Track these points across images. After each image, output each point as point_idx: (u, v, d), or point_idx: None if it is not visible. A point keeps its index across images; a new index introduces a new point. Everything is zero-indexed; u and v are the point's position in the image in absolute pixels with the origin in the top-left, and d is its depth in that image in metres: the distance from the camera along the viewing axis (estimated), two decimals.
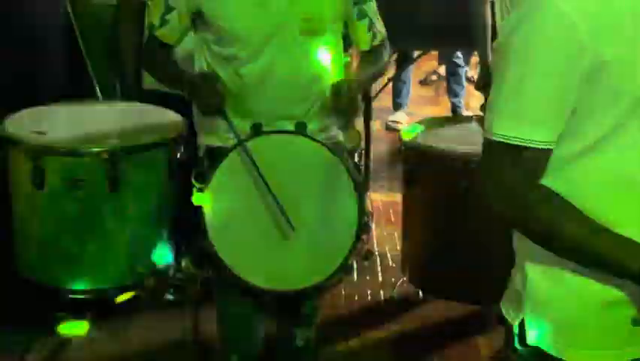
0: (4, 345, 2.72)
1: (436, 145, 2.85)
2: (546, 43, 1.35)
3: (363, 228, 2.33)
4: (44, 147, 2.52)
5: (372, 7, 2.43)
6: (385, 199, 3.87)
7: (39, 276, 2.64)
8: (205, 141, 2.41)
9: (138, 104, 3.01)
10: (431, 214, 2.90)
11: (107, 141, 2.61)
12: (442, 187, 2.82)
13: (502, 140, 1.36)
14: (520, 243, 1.52)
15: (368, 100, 4.08)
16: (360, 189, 2.30)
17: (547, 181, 1.43)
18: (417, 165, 2.90)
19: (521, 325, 1.50)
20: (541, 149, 1.38)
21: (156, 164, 2.64)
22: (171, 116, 2.79)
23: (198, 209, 2.23)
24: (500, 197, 1.42)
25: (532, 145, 1.37)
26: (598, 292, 1.44)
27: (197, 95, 2.34)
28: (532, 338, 1.49)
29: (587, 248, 1.38)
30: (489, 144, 1.39)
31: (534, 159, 1.39)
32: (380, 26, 2.45)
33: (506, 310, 1.55)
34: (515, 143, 1.36)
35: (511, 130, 1.36)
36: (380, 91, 4.45)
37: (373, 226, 3.64)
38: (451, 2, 3.98)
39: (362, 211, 2.28)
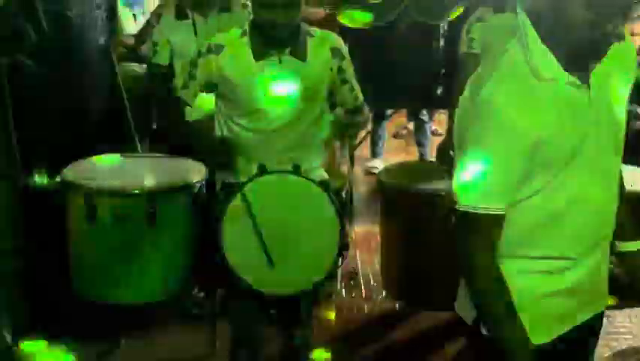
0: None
1: (406, 184, 2.89)
2: (497, 138, 1.39)
3: (344, 245, 2.39)
4: (96, 189, 2.54)
5: (352, 75, 2.52)
6: (366, 230, 3.90)
7: (91, 295, 2.62)
8: (221, 177, 2.51)
9: (166, 155, 2.98)
10: (404, 239, 2.89)
11: (144, 184, 2.62)
12: (412, 217, 2.82)
13: (466, 210, 1.41)
14: None
15: (352, 149, 4.07)
16: (341, 214, 2.37)
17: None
18: (392, 200, 2.94)
19: (476, 320, 1.54)
20: (496, 215, 1.42)
21: (184, 202, 2.61)
22: (194, 164, 2.77)
23: (217, 234, 2.30)
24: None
25: (488, 212, 1.40)
26: (532, 288, 1.53)
27: (214, 156, 2.46)
28: (484, 330, 1.54)
29: (498, 323, 1.47)
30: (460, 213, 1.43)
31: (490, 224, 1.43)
32: (358, 90, 2.55)
33: (462, 310, 1.61)
34: (476, 212, 1.40)
35: (476, 201, 1.40)
36: (360, 142, 4.58)
37: (357, 252, 3.66)
38: (417, 70, 4.06)
39: (343, 232, 2.36)
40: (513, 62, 1.41)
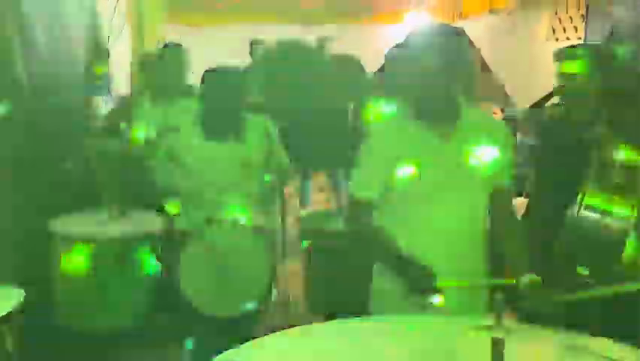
0: None
1: (317, 226, 2.98)
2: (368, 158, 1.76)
3: (273, 276, 2.54)
4: (76, 239, 2.63)
5: (280, 147, 2.71)
6: (297, 266, 3.69)
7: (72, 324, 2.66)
8: (179, 225, 2.63)
9: (133, 212, 2.98)
10: (319, 269, 2.91)
11: (116, 233, 2.67)
12: (324, 251, 2.86)
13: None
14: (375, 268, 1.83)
15: (283, 201, 4.11)
16: (272, 252, 2.52)
17: (392, 228, 1.72)
18: (309, 238, 2.98)
19: None
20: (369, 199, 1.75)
21: (150, 247, 2.67)
22: (156, 218, 2.81)
23: (174, 269, 2.39)
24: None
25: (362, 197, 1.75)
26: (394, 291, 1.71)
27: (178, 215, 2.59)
28: None
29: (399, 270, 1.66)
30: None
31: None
32: (285, 156, 2.73)
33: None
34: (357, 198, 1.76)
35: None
36: (291, 196, 4.65)
37: (289, 283, 3.55)
38: (337, 141, 4.10)
39: (272, 267, 2.50)
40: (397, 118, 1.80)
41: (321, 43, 4.71)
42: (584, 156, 1.99)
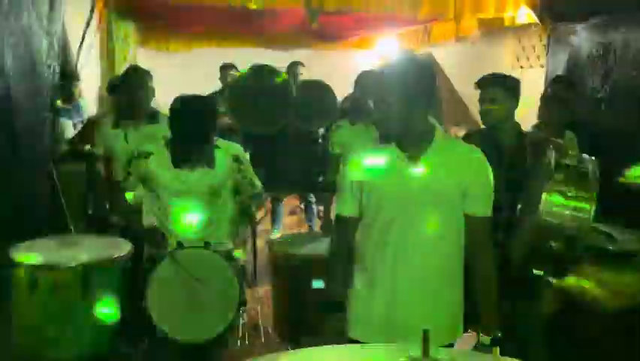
0: None
1: (287, 250, 2.95)
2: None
3: (242, 302, 2.54)
4: (37, 265, 2.52)
5: (250, 172, 2.71)
6: (267, 290, 3.82)
7: (30, 355, 2.56)
8: (148, 250, 2.63)
9: (97, 235, 2.97)
10: (287, 293, 2.91)
11: (80, 260, 2.58)
12: (292, 275, 2.85)
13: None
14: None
15: (254, 225, 4.12)
16: (240, 278, 2.51)
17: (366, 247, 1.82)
18: (278, 263, 2.99)
19: None
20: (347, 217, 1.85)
21: (113, 273, 2.62)
22: (122, 243, 2.78)
23: (142, 294, 2.35)
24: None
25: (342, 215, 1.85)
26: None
27: (146, 240, 2.61)
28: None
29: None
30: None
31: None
32: (256, 180, 2.73)
33: None
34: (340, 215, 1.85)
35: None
36: (262, 219, 4.71)
37: (259, 308, 3.65)
38: (303, 164, 4.19)
39: (242, 291, 2.50)
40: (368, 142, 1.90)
41: (293, 68, 4.77)
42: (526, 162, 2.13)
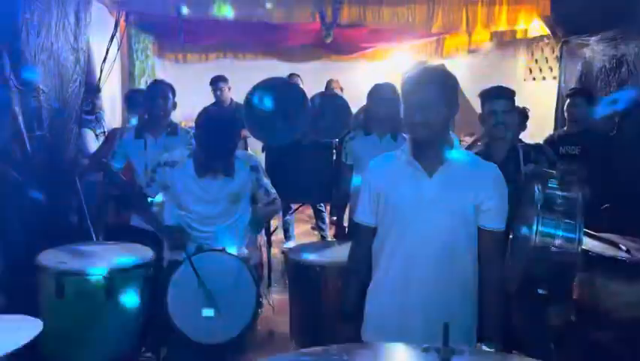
0: None
1: (303, 258, 2.94)
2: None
3: (259, 304, 2.60)
4: (64, 272, 2.58)
5: (266, 181, 2.80)
6: (281, 297, 3.89)
7: (57, 358, 2.59)
8: (168, 256, 2.71)
9: (118, 243, 2.97)
10: (304, 300, 2.95)
11: (104, 266, 2.62)
12: (308, 282, 2.85)
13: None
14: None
15: (269, 235, 4.33)
16: (257, 282, 2.58)
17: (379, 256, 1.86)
18: (294, 270, 3.00)
19: None
20: (366, 225, 1.88)
21: (135, 279, 2.65)
22: (143, 249, 2.81)
23: (163, 299, 2.43)
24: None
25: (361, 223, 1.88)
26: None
27: (169, 239, 2.66)
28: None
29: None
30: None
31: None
32: (271, 189, 2.81)
33: None
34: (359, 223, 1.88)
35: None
36: (276, 229, 4.76)
37: (274, 314, 3.70)
38: (316, 174, 4.16)
39: (258, 295, 2.57)
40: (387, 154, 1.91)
41: (292, 79, 4.84)
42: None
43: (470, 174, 1.81)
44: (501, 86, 2.70)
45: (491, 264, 1.85)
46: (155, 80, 3.61)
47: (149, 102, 3.35)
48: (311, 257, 2.98)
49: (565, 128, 3.99)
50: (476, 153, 2.23)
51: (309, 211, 6.09)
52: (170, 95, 3.35)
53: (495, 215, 1.82)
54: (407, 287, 1.80)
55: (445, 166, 1.80)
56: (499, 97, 2.58)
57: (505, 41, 6.18)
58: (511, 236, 2.09)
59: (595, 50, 4.43)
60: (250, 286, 2.54)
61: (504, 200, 1.83)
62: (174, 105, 3.39)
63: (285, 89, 3.90)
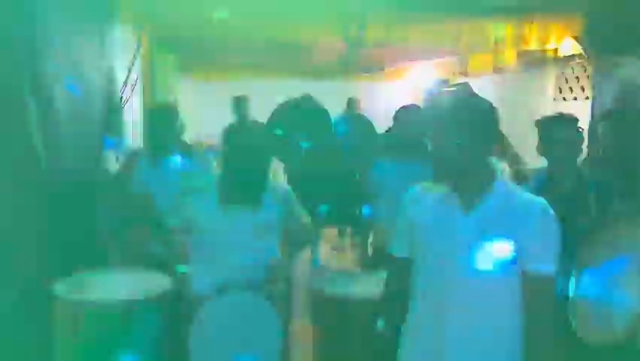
0: None
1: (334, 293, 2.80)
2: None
3: (284, 337, 2.45)
4: (80, 301, 2.50)
5: (297, 209, 2.60)
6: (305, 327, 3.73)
7: None
8: (189, 291, 2.54)
9: (139, 270, 2.88)
10: (329, 336, 2.78)
11: (121, 296, 2.55)
12: (333, 316, 2.74)
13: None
14: None
15: (296, 261, 4.22)
16: (282, 314, 2.46)
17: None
18: (319, 303, 2.87)
19: None
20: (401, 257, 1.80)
21: (156, 310, 2.56)
22: (162, 278, 2.72)
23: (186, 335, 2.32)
24: None
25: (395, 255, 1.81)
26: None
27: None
28: None
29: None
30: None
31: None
32: (305, 218, 2.62)
33: None
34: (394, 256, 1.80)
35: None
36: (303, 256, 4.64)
37: (300, 347, 3.39)
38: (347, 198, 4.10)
39: (285, 331, 2.46)
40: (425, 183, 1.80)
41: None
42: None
43: (512, 212, 1.62)
44: (560, 114, 2.58)
45: (539, 314, 1.63)
46: (157, 105, 3.50)
47: (153, 128, 3.28)
48: (338, 290, 2.85)
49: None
50: (537, 187, 2.14)
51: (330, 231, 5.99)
52: (170, 119, 3.24)
53: (542, 257, 1.62)
54: (441, 333, 1.65)
55: (483, 201, 1.64)
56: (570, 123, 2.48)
57: (533, 60, 6.00)
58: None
59: (629, 69, 4.25)
60: (276, 325, 2.39)
61: (553, 240, 1.63)
62: (182, 127, 3.30)
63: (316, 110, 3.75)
